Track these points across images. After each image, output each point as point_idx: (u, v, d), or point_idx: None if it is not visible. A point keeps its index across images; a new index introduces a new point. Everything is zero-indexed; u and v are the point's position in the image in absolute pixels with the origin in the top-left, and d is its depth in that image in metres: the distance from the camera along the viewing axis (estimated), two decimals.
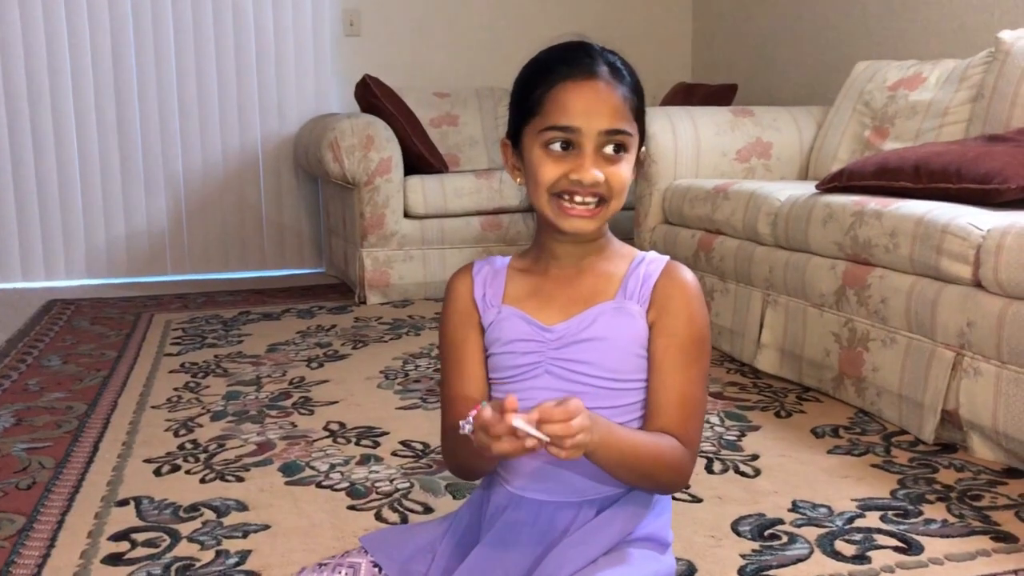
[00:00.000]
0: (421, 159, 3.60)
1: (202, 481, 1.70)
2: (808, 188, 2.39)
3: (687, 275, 1.04)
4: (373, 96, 3.60)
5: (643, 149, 1.03)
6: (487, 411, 0.86)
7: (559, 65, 0.97)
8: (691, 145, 3.00)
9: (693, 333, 1.01)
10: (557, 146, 0.97)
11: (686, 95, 3.92)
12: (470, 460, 1.04)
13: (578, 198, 0.97)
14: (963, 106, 2.53)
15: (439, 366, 2.50)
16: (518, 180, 1.04)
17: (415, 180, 3.52)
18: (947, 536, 1.43)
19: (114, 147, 4.00)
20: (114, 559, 1.38)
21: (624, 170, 0.98)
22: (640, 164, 1.04)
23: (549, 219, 1.00)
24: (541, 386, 1.03)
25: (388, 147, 3.41)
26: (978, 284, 1.75)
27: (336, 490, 1.65)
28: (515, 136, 1.03)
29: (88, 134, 3.97)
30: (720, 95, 3.84)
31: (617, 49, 1.04)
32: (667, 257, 1.06)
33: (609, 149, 0.96)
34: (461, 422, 0.90)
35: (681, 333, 1.01)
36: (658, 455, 0.97)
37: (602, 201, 0.98)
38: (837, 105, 3.02)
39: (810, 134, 3.13)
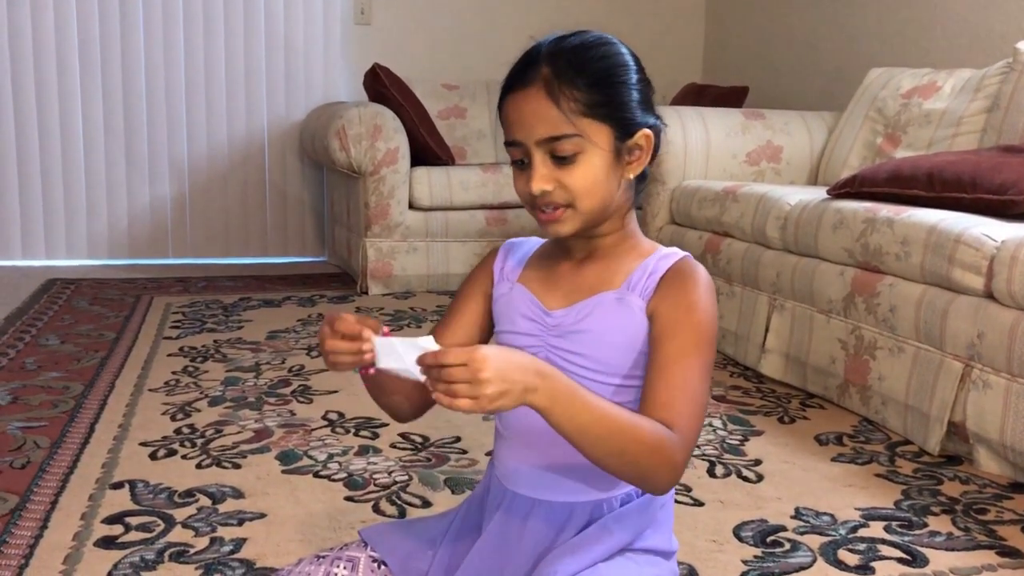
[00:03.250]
0: (428, 151, 3.57)
1: (198, 466, 1.68)
2: (818, 193, 2.36)
3: (697, 268, 0.99)
4: (382, 85, 3.58)
5: (642, 132, 0.96)
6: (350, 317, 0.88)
7: (508, 77, 0.97)
8: (701, 146, 2.98)
9: (692, 321, 0.95)
10: (518, 159, 0.97)
11: (697, 96, 3.90)
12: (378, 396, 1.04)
13: (543, 215, 0.97)
14: (978, 116, 2.51)
15: None
16: None
17: (421, 171, 3.49)
18: (952, 549, 1.41)
19: (119, 128, 3.98)
20: (107, 542, 1.36)
21: (581, 173, 0.94)
22: (645, 147, 0.97)
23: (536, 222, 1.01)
24: None
25: (395, 137, 3.39)
26: (990, 295, 1.73)
27: (334, 480, 1.63)
28: None
29: (94, 114, 3.94)
30: (731, 97, 3.81)
31: (605, 32, 0.99)
32: (684, 253, 1.01)
33: (558, 155, 0.94)
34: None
35: (678, 321, 0.95)
36: (635, 431, 0.87)
37: (568, 206, 0.95)
38: (849, 111, 3.00)
39: (821, 139, 3.10)
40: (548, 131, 0.93)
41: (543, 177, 0.94)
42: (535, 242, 1.10)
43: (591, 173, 0.94)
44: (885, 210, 2.02)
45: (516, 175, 0.98)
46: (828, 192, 2.30)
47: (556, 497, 1.01)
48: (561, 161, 0.93)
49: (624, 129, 0.95)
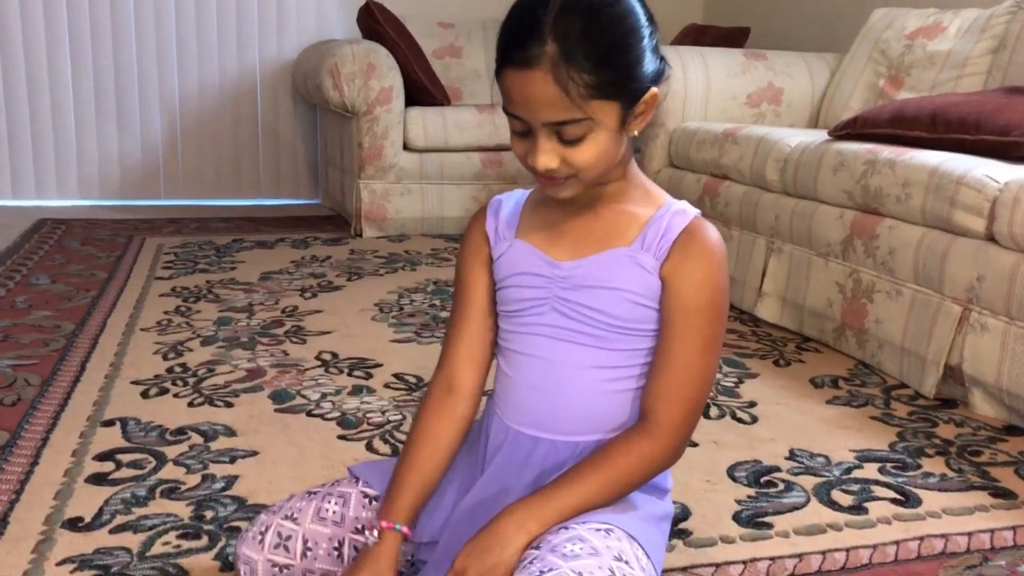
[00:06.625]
0: (422, 90, 3.51)
1: (190, 405, 1.67)
2: (819, 136, 2.33)
3: (711, 236, 0.96)
4: (376, 23, 3.50)
5: (652, 91, 0.91)
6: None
7: (507, 44, 0.88)
8: (701, 87, 2.92)
9: (702, 298, 0.94)
10: (518, 129, 0.91)
11: (697, 37, 3.83)
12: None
13: (544, 180, 0.93)
14: (983, 57, 2.47)
15: (435, 301, 2.47)
16: None
17: (416, 112, 3.44)
18: (945, 490, 1.41)
19: (109, 66, 3.90)
20: (98, 479, 1.36)
21: (587, 150, 0.89)
22: (651, 106, 0.93)
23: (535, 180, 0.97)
24: (548, 323, 0.99)
25: (389, 76, 3.33)
26: (991, 238, 1.71)
27: (327, 419, 1.62)
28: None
29: (83, 52, 3.86)
30: (732, 38, 3.74)
31: None
32: (696, 212, 0.98)
33: (565, 138, 0.89)
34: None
35: (689, 296, 0.94)
36: (619, 480, 0.95)
37: (572, 176, 0.92)
38: (852, 52, 2.94)
39: (823, 81, 3.05)
40: (555, 116, 0.87)
41: (548, 154, 0.89)
42: (521, 193, 1.06)
43: (597, 149, 0.90)
44: (886, 152, 1.99)
45: (515, 140, 0.93)
46: (829, 133, 2.26)
47: (561, 436, 1.00)
48: (568, 142, 0.89)
49: (632, 99, 0.90)
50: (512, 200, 1.05)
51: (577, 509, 0.93)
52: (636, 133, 0.94)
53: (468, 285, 1.05)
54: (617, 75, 0.87)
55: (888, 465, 1.50)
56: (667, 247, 0.95)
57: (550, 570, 0.85)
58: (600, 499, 0.94)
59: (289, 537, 0.99)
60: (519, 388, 1.01)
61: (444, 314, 2.31)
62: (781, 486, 1.41)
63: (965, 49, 2.52)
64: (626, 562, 0.89)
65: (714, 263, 0.95)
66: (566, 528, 0.92)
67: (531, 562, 0.88)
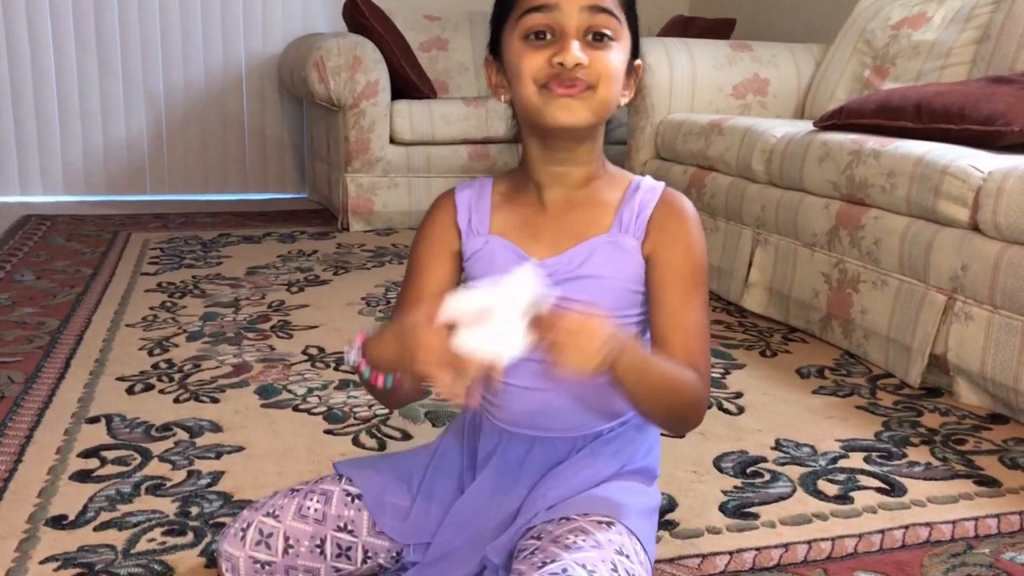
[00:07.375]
0: (409, 84, 3.50)
1: (176, 401, 1.66)
2: (805, 126, 2.33)
3: (684, 203, 1.00)
4: (362, 16, 3.49)
5: (637, 62, 0.98)
6: (422, 316, 0.81)
7: None
8: (687, 79, 2.92)
9: (691, 262, 0.97)
10: (536, 35, 0.91)
11: (683, 28, 3.83)
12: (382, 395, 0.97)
13: (563, 88, 0.90)
14: (967, 47, 2.47)
15: None
16: (502, 98, 0.98)
17: (402, 105, 3.43)
18: (930, 479, 1.42)
19: (93, 61, 3.87)
20: (83, 476, 1.35)
21: (612, 57, 0.92)
22: (635, 77, 0.98)
23: (537, 113, 0.92)
24: None
25: (375, 69, 3.31)
26: (975, 227, 1.71)
27: (313, 414, 1.62)
28: (496, 46, 0.97)
29: (66, 46, 3.83)
30: (718, 29, 3.74)
31: None
32: (662, 184, 1.01)
33: (592, 36, 0.91)
34: (346, 349, 0.90)
35: (678, 263, 0.96)
36: (682, 388, 0.92)
37: (591, 87, 0.91)
38: (837, 43, 2.95)
39: (808, 72, 3.05)
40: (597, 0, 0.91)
41: (580, 48, 0.90)
42: (483, 183, 1.04)
43: (618, 61, 0.93)
44: (872, 142, 1.99)
45: (530, 53, 0.91)
46: (815, 124, 2.27)
47: (557, 433, 1.00)
48: (597, 39, 0.91)
49: (635, 48, 0.97)
50: (479, 191, 1.03)
51: (657, 378, 0.89)
52: (622, 104, 0.98)
53: (427, 271, 1.02)
54: (633, 14, 0.95)
55: (873, 454, 1.50)
56: (644, 224, 0.97)
57: (553, 561, 0.85)
58: (671, 393, 0.91)
59: (270, 534, 0.99)
60: (510, 391, 1.00)
61: None
62: (767, 476, 1.41)
63: (950, 39, 2.52)
64: (627, 556, 0.89)
65: (693, 228, 0.99)
66: (567, 520, 0.92)
67: (532, 552, 0.88)
